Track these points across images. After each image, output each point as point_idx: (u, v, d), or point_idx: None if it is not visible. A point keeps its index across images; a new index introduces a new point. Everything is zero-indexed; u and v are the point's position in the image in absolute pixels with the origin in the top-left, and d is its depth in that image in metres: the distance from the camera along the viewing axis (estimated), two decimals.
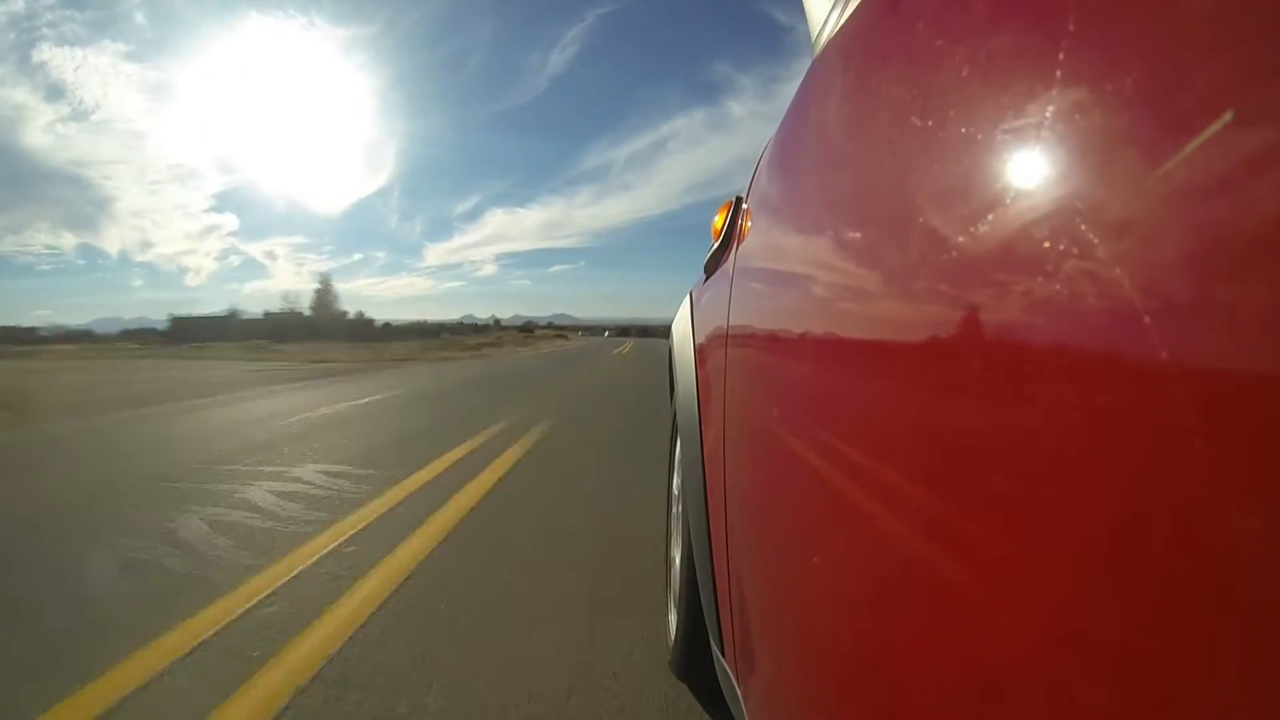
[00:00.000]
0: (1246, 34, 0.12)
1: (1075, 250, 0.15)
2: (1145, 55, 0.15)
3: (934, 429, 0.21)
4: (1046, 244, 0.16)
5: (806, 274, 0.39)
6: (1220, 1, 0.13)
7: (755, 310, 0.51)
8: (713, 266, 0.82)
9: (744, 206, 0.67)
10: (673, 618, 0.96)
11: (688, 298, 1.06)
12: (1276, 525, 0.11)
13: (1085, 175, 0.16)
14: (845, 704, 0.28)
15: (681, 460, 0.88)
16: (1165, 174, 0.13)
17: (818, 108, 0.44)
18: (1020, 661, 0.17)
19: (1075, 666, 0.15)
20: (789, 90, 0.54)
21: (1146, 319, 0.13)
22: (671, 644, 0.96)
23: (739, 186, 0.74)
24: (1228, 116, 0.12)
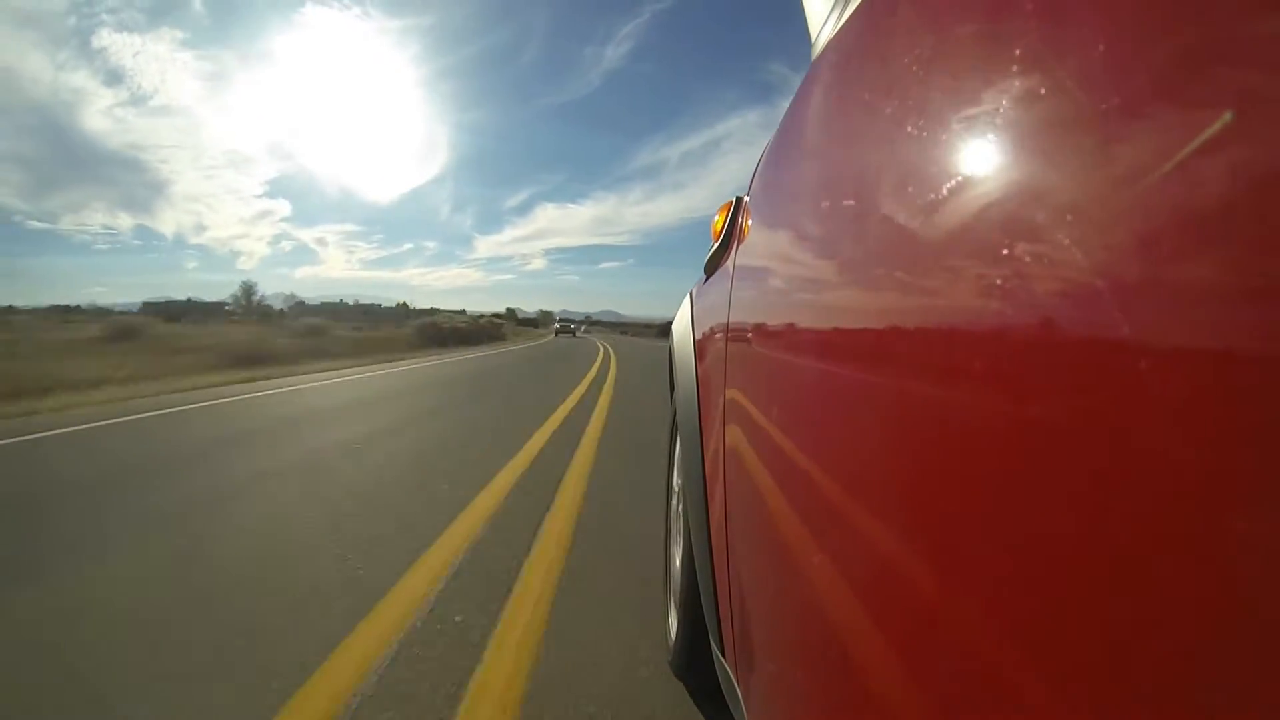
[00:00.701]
0: (1247, 34, 0.12)
1: (1076, 250, 0.15)
2: (1145, 55, 0.15)
3: (934, 429, 0.21)
4: (1047, 244, 0.16)
5: (806, 274, 0.39)
6: (1220, 1, 0.13)
7: (755, 310, 0.51)
8: (713, 266, 0.82)
9: (744, 206, 0.67)
10: (673, 618, 0.96)
11: (688, 297, 1.06)
12: (1275, 525, 0.11)
13: (1087, 176, 0.16)
14: (845, 704, 0.28)
15: (681, 460, 0.88)
16: (1165, 174, 0.13)
17: (817, 108, 0.44)
18: (1020, 662, 0.17)
19: (1075, 667, 0.15)
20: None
21: (1151, 319, 0.13)
22: (671, 644, 0.96)
23: None
24: (1228, 116, 0.12)
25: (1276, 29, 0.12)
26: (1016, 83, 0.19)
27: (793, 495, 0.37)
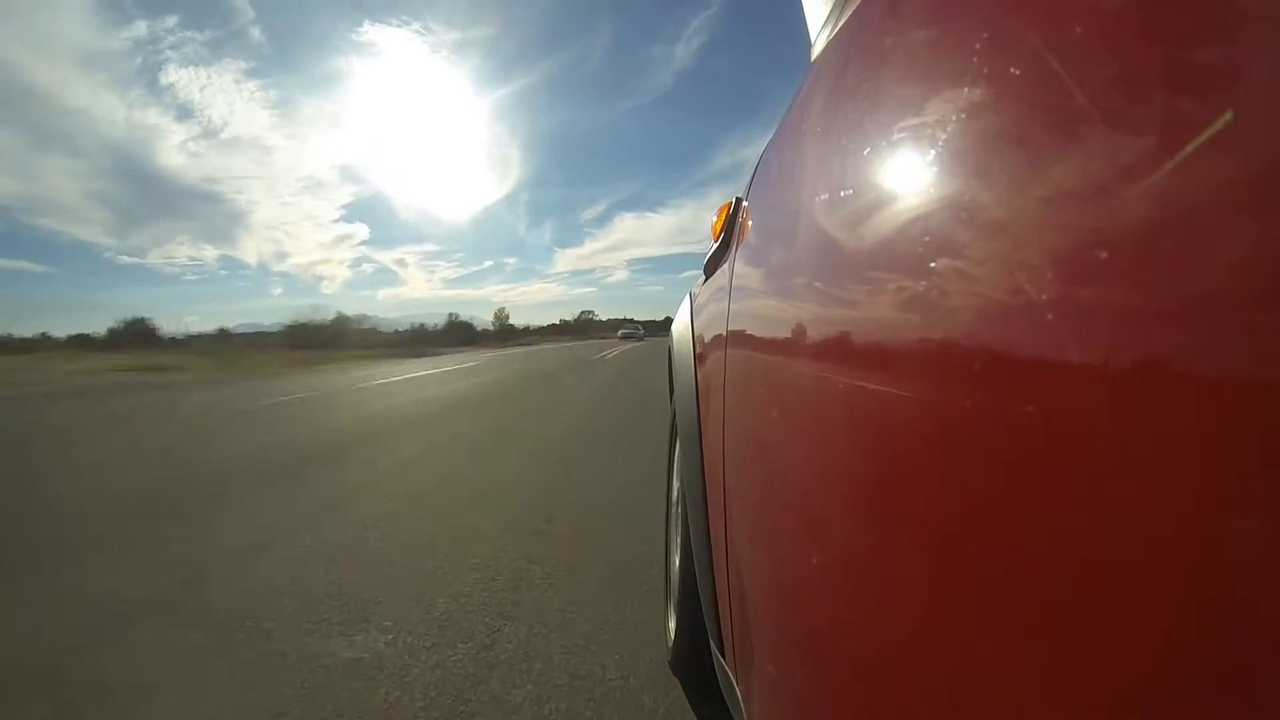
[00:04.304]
0: (1247, 34, 0.12)
1: (1075, 251, 0.15)
2: (1145, 55, 0.15)
3: (933, 430, 0.21)
4: (1046, 245, 0.16)
5: (806, 275, 0.39)
6: (1220, 1, 0.13)
7: (754, 311, 0.51)
8: (712, 267, 0.82)
9: (744, 207, 0.67)
10: (672, 618, 0.96)
11: (687, 298, 1.06)
12: (1274, 525, 0.11)
13: (1086, 176, 0.16)
14: (845, 705, 0.28)
15: (681, 461, 0.87)
16: (1165, 174, 0.13)
17: (817, 109, 0.44)
18: (1020, 662, 0.17)
19: (1076, 667, 0.15)
20: None
21: (1149, 319, 0.13)
22: (671, 644, 0.96)
23: None
24: (1228, 116, 0.12)
25: (1277, 29, 0.12)
26: (1016, 84, 0.19)
27: (792, 496, 0.37)
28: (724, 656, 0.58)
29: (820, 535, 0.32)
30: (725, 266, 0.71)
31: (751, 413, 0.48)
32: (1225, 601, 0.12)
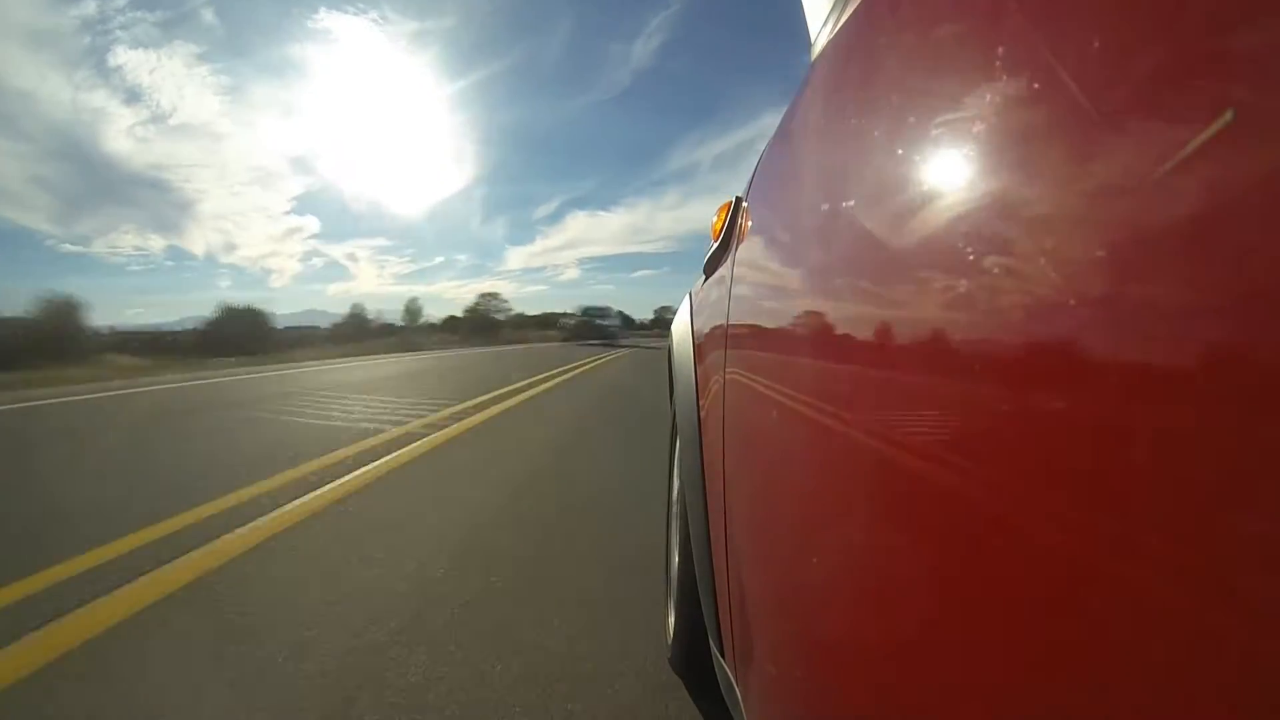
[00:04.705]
0: (1247, 34, 0.12)
1: (1074, 250, 0.15)
2: (1145, 55, 0.15)
3: (933, 429, 0.21)
4: (1046, 244, 0.16)
5: (806, 274, 0.39)
6: (1220, 1, 0.13)
7: (754, 310, 0.51)
8: (712, 267, 0.82)
9: (743, 207, 0.67)
10: (672, 618, 0.96)
11: (687, 298, 1.06)
12: (1275, 525, 0.11)
13: (1086, 176, 0.16)
14: (845, 705, 0.28)
15: (680, 460, 0.87)
16: (1166, 174, 0.13)
17: (817, 108, 0.44)
18: (1021, 661, 0.17)
19: (1077, 667, 0.15)
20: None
21: (1148, 318, 0.13)
22: (670, 643, 0.96)
23: None
24: (1228, 116, 0.12)
25: (1277, 29, 0.12)
26: (1017, 83, 0.19)
27: (792, 496, 0.37)
28: (723, 656, 0.58)
29: (820, 535, 0.32)
30: (725, 266, 0.71)
31: (751, 412, 0.48)
32: (1228, 603, 0.12)
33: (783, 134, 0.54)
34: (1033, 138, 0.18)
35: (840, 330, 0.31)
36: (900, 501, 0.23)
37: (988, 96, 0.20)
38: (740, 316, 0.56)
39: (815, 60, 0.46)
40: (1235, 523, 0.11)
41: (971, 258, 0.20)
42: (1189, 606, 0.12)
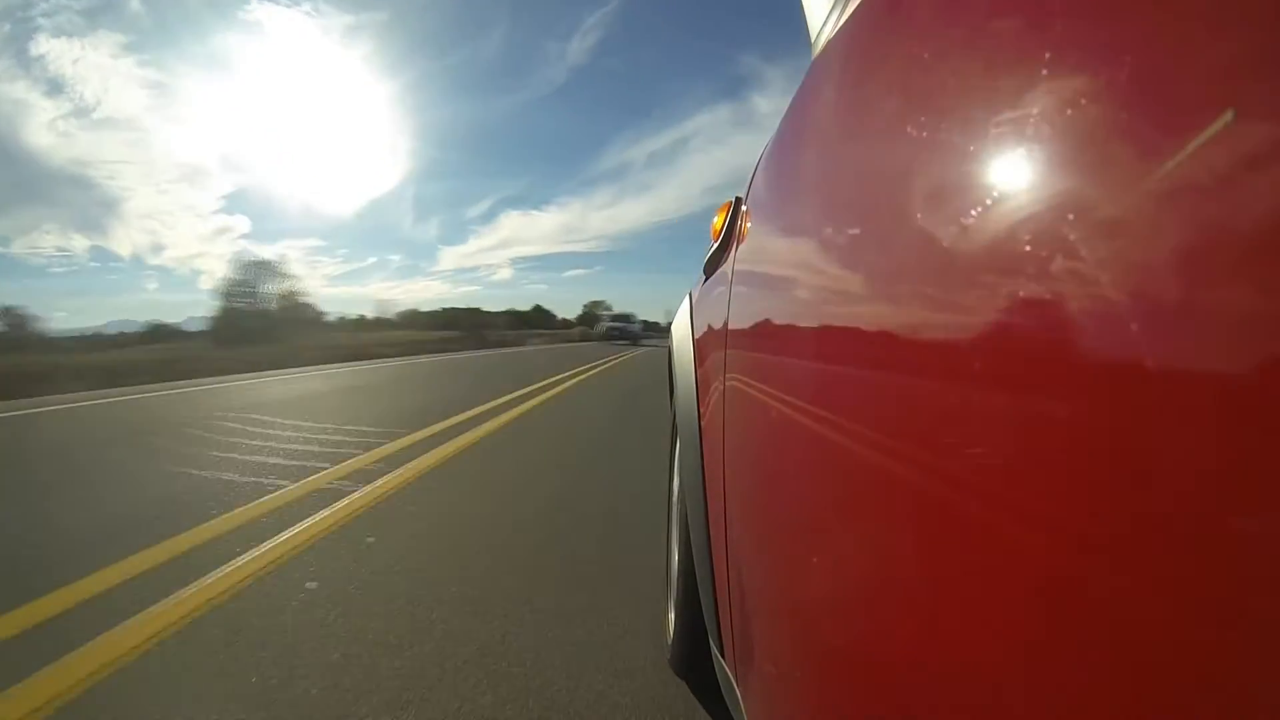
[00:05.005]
0: (1247, 34, 0.12)
1: (1075, 250, 0.15)
2: (1146, 54, 0.14)
3: (933, 429, 0.21)
4: (1047, 244, 0.16)
5: (806, 275, 0.39)
6: (1221, 1, 0.13)
7: (754, 311, 0.51)
8: (712, 267, 0.82)
9: (743, 207, 0.67)
10: (672, 617, 0.96)
11: (687, 298, 1.06)
12: (1276, 526, 0.11)
13: (1086, 175, 0.15)
14: (845, 706, 0.28)
15: (681, 461, 0.87)
16: (1167, 174, 0.13)
17: (817, 108, 0.44)
18: (1022, 662, 0.17)
19: (1078, 668, 0.15)
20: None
21: (1147, 318, 0.13)
22: (670, 643, 0.96)
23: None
24: (1228, 116, 0.12)
25: (1277, 29, 0.12)
26: (1018, 81, 0.19)
27: (792, 497, 0.37)
28: (723, 656, 0.58)
29: (820, 536, 0.32)
30: (725, 266, 0.71)
31: (751, 412, 0.48)
32: (1230, 604, 0.12)
33: (782, 133, 0.54)
34: (1034, 136, 0.17)
35: (841, 330, 0.31)
36: (900, 501, 0.23)
37: (988, 95, 0.20)
38: (740, 317, 0.56)
39: (816, 59, 0.46)
40: (1245, 527, 0.11)
41: (972, 257, 0.20)
42: (1190, 609, 0.12)
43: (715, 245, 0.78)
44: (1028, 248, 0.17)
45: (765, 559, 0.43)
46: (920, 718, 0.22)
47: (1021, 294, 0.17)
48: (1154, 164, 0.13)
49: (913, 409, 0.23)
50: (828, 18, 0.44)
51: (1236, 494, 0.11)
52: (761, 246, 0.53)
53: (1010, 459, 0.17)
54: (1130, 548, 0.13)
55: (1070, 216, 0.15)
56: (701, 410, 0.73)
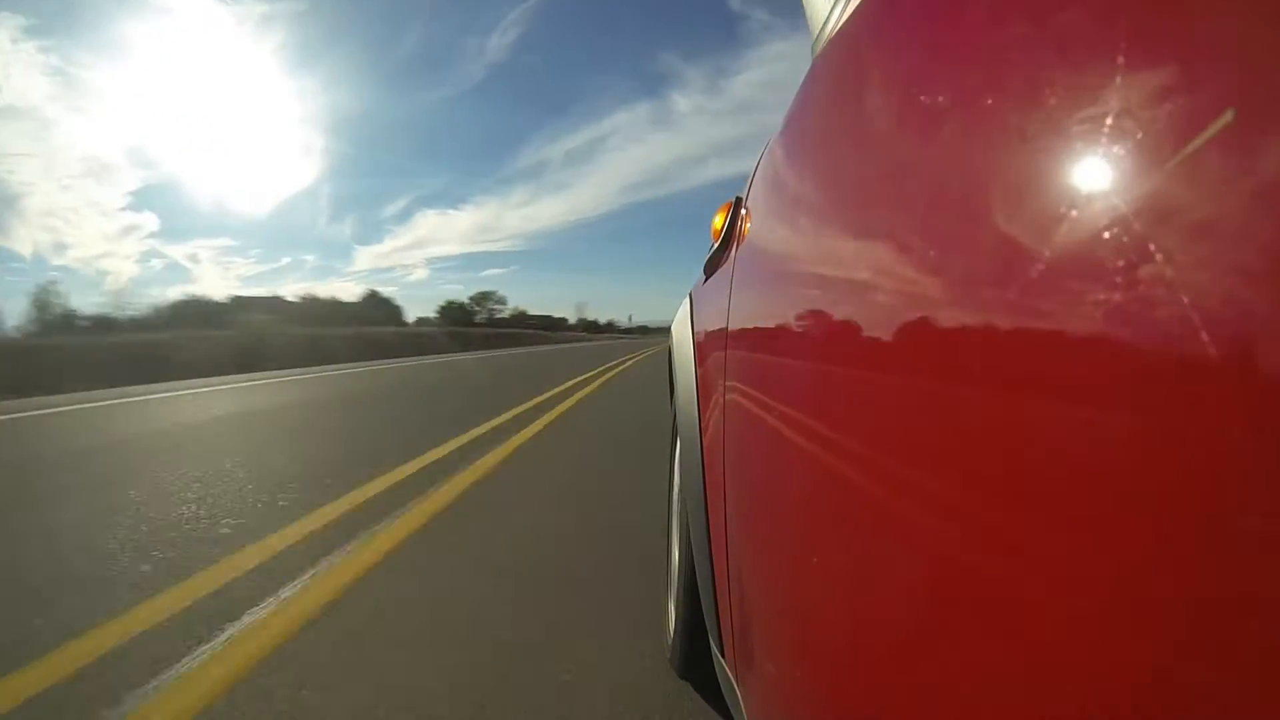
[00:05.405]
0: (1247, 34, 0.12)
1: (1076, 250, 0.15)
2: (1146, 54, 0.15)
3: (934, 430, 0.21)
4: (1047, 243, 0.16)
5: (807, 275, 0.39)
6: (1221, 1, 0.13)
7: (755, 311, 0.51)
8: (712, 267, 0.82)
9: (744, 207, 0.67)
10: (672, 617, 0.96)
11: (687, 298, 1.06)
12: (1277, 526, 0.11)
13: (1087, 174, 0.16)
14: (845, 705, 0.28)
15: (681, 461, 0.87)
16: (1167, 173, 0.13)
17: (818, 108, 0.44)
18: (1021, 662, 0.17)
19: (1079, 668, 0.15)
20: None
21: (1148, 318, 0.13)
22: (670, 642, 0.96)
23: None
24: (1228, 116, 0.12)
25: (1277, 29, 0.12)
26: (1019, 79, 0.19)
27: (792, 496, 0.37)
28: (724, 656, 0.58)
29: (820, 535, 0.32)
30: (725, 266, 0.71)
31: (752, 413, 0.48)
32: (1231, 604, 0.12)
33: (783, 133, 0.54)
34: (1035, 136, 0.17)
35: (842, 330, 0.31)
36: (900, 501, 0.23)
37: (989, 94, 0.20)
38: (741, 317, 0.56)
39: (817, 58, 0.46)
40: (1245, 527, 0.11)
41: (974, 257, 0.20)
42: (1190, 609, 0.12)
43: (716, 245, 0.78)
44: (1029, 247, 0.17)
45: (765, 559, 0.43)
46: (920, 717, 0.22)
47: (1025, 295, 0.17)
48: (1154, 163, 0.13)
49: (913, 409, 0.23)
50: (828, 18, 0.44)
51: (1236, 494, 0.11)
52: (762, 246, 0.53)
53: (1011, 461, 0.17)
54: (1131, 549, 0.13)
55: (1075, 215, 0.16)
56: (702, 410, 0.73)
